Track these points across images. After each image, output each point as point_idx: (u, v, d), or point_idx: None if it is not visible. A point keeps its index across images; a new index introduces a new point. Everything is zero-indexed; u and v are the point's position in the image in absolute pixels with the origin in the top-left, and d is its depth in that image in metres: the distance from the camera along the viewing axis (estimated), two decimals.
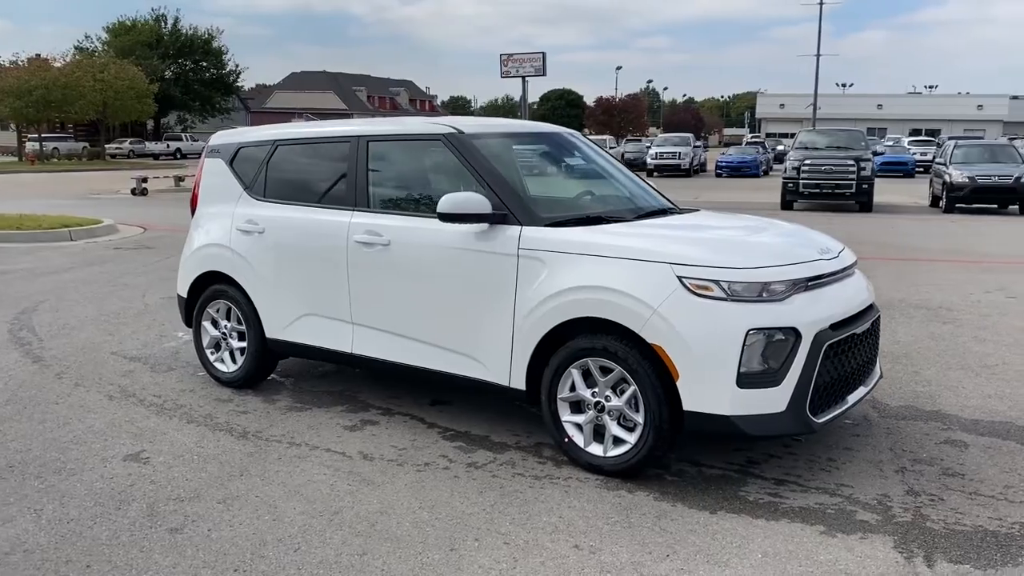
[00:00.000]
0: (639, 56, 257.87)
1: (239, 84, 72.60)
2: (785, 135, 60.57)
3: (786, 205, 20.99)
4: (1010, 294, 9.55)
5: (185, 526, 3.88)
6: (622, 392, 4.31)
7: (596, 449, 4.42)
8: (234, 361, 5.98)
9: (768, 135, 65.94)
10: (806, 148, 21.80)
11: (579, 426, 4.48)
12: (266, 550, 3.65)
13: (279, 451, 4.79)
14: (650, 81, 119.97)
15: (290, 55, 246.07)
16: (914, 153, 42.06)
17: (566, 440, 4.50)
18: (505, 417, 5.30)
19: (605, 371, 4.34)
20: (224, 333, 6.02)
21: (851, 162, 20.35)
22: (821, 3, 51.78)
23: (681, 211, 5.41)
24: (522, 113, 42.66)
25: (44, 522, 3.91)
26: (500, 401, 5.57)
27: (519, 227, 4.62)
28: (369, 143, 5.32)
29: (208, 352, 6.13)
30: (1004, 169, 20.22)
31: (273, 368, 6.02)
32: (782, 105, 73.38)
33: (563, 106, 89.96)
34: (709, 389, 4.03)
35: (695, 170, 40.51)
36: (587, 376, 4.43)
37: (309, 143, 5.70)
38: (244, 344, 5.89)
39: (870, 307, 4.72)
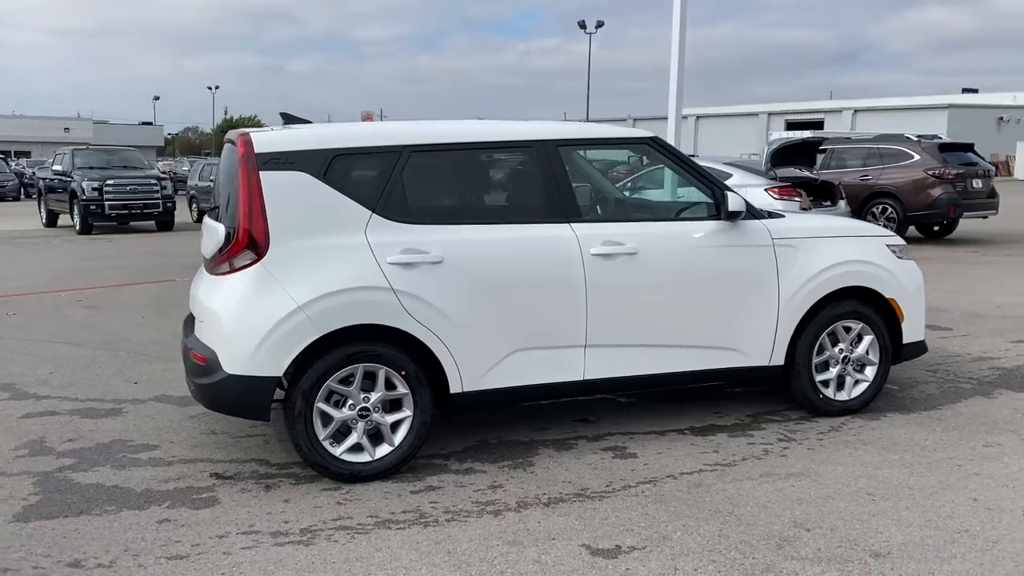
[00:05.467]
0: None
1: None
2: None
3: (86, 229, 19.44)
4: None
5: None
6: (856, 344, 5.38)
7: (843, 396, 5.38)
8: (377, 442, 4.42)
9: None
10: (91, 168, 20.40)
11: (825, 383, 5.33)
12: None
13: (659, 492, 4.26)
14: None
15: None
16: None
17: (820, 398, 5.30)
18: (668, 409, 5.50)
19: (846, 330, 5.33)
20: (365, 409, 4.36)
21: (154, 181, 20.09)
22: None
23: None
24: None
25: None
26: (634, 396, 5.71)
27: (757, 220, 5.14)
28: (559, 148, 4.79)
29: (326, 444, 4.33)
30: None
31: None
32: None
33: None
34: (915, 323, 5.52)
35: None
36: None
37: (467, 149, 4.66)
38: (404, 415, 4.44)
39: None
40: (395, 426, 4.44)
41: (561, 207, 4.72)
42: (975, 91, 73.46)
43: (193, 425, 5.36)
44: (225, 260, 4.36)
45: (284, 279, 4.23)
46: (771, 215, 5.43)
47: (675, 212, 5.26)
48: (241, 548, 3.68)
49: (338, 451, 4.35)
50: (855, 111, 63.13)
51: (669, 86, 12.52)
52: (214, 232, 4.58)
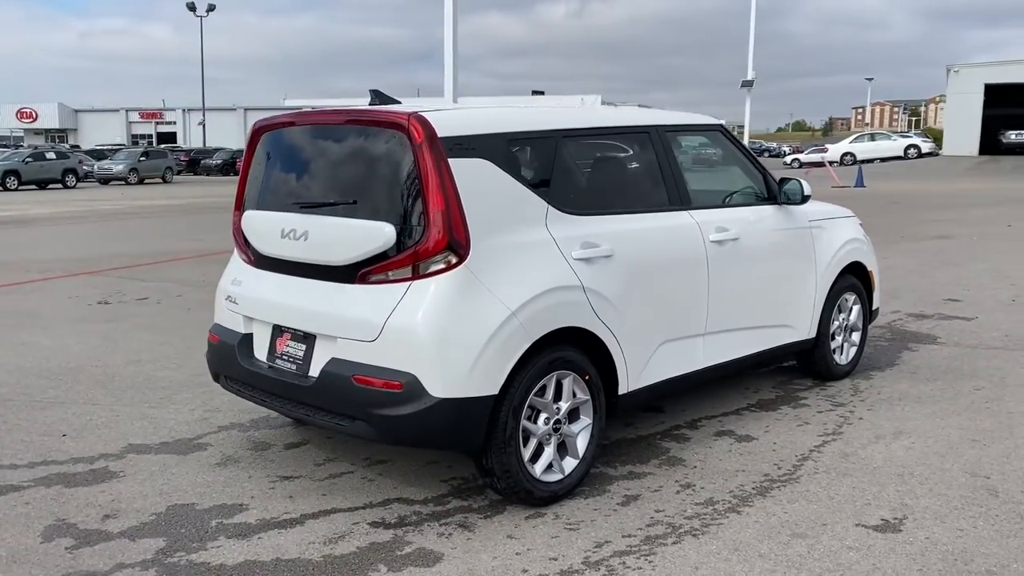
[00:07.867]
0: None
1: None
2: None
3: None
4: None
5: None
6: (850, 313, 5.99)
7: (843, 360, 5.95)
8: (563, 455, 4.02)
9: None
10: None
11: (834, 350, 5.86)
12: None
13: (830, 467, 4.45)
14: None
15: None
16: None
17: (834, 364, 5.83)
18: (706, 393, 5.64)
19: (845, 301, 5.92)
20: (558, 421, 3.92)
21: None
22: None
23: None
24: None
25: None
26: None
27: (796, 205, 5.49)
28: (666, 134, 4.70)
29: (529, 466, 3.83)
30: None
31: None
32: None
33: None
34: (878, 292, 6.29)
35: None
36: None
37: (605, 135, 4.42)
38: (584, 423, 4.08)
39: None
40: (584, 435, 4.08)
41: (678, 195, 4.65)
42: (542, 93, 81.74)
43: (240, 473, 4.37)
44: (406, 264, 3.62)
45: (490, 282, 3.65)
46: None
47: (723, 198, 5.41)
48: None
49: (537, 473, 3.88)
50: None
51: (444, 77, 12.50)
52: (350, 231, 3.77)
